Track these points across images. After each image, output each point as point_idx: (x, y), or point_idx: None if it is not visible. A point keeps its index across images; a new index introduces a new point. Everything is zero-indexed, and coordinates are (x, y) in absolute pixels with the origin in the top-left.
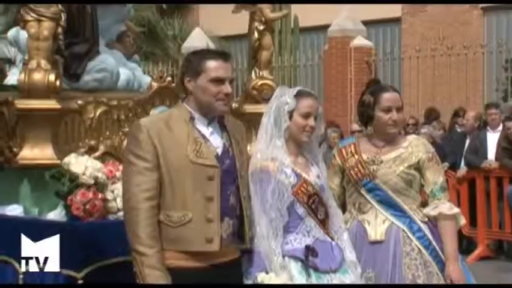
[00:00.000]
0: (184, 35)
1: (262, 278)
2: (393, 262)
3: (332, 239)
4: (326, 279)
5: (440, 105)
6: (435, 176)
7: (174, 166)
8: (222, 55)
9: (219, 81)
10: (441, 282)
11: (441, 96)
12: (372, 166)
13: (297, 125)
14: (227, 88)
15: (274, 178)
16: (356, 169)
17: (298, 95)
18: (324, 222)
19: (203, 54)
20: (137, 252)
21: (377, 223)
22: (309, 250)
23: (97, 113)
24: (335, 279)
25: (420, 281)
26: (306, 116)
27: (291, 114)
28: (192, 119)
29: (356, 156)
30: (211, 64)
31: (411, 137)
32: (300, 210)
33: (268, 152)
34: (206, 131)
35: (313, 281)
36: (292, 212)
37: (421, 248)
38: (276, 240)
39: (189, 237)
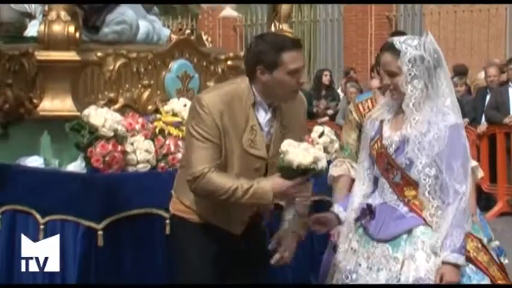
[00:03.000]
0: None
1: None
2: None
3: (415, 210)
4: (369, 246)
5: (462, 61)
6: None
7: (229, 150)
8: (296, 44)
9: (296, 72)
10: None
11: (462, 52)
12: None
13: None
14: (302, 77)
15: (366, 126)
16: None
17: None
18: (400, 188)
19: (278, 45)
20: (228, 197)
21: None
22: (367, 210)
23: (117, 66)
24: (378, 247)
25: None
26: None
27: None
28: (255, 103)
29: None
30: (289, 56)
31: None
32: (375, 167)
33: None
34: (263, 117)
35: (355, 240)
36: (375, 167)
37: None
38: (356, 188)
39: (218, 213)
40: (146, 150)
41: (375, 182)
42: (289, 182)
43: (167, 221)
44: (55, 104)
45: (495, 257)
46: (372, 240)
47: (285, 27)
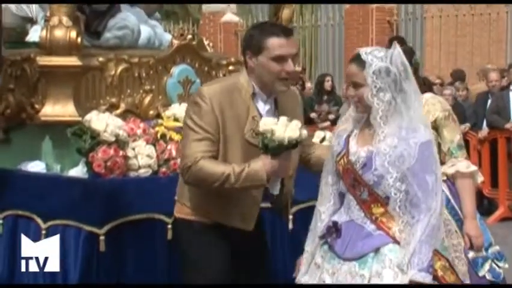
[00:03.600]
0: None
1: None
2: None
3: (383, 228)
4: (334, 262)
5: (462, 66)
6: (452, 134)
7: (230, 141)
8: (285, 31)
9: (281, 59)
10: (460, 239)
11: (463, 56)
12: None
13: None
14: (289, 66)
15: (332, 140)
16: None
17: None
18: (367, 205)
19: (265, 29)
20: (222, 183)
21: None
22: (333, 228)
23: (118, 71)
24: (344, 265)
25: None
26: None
27: None
28: (254, 94)
29: None
30: (274, 41)
31: (428, 95)
32: (341, 182)
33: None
34: (263, 108)
35: (319, 256)
36: (341, 184)
37: None
38: (322, 205)
39: (227, 210)
40: (148, 155)
41: (341, 198)
42: (280, 159)
43: (169, 226)
44: (57, 109)
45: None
46: (339, 258)
47: None
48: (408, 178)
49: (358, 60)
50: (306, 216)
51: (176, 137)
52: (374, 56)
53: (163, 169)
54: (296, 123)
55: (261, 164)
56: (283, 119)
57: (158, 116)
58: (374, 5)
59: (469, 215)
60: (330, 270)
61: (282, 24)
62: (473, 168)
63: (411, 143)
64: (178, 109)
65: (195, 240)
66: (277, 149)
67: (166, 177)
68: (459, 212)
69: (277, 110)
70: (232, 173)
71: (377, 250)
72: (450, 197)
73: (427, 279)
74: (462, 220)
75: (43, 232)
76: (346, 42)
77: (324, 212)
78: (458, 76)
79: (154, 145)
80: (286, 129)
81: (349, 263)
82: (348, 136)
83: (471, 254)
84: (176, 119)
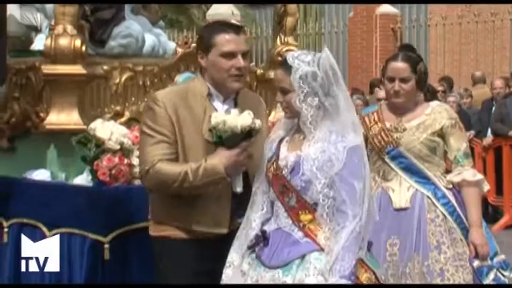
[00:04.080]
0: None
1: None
2: (417, 229)
3: (310, 235)
4: (260, 270)
5: (467, 73)
6: (458, 143)
7: (189, 143)
8: (233, 27)
9: (230, 55)
10: (465, 248)
11: (467, 64)
12: (396, 134)
13: None
14: (239, 62)
15: (266, 147)
16: (379, 137)
17: None
18: (295, 212)
19: (213, 27)
20: (181, 182)
21: (402, 190)
22: (261, 237)
23: (123, 79)
24: (269, 272)
25: (444, 247)
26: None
27: None
28: (210, 95)
29: (379, 124)
30: (222, 38)
31: (434, 104)
32: (271, 190)
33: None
34: (221, 108)
35: (246, 263)
36: (271, 191)
37: (446, 214)
38: (254, 213)
39: (196, 217)
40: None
41: (272, 207)
42: (236, 150)
43: None
44: (61, 117)
45: None
46: (265, 266)
47: (290, 39)
48: (336, 184)
49: (285, 65)
50: None
51: None
52: (301, 61)
53: None
54: (248, 112)
55: (218, 158)
56: (234, 110)
57: None
58: (378, 13)
59: (474, 224)
60: (255, 277)
61: (232, 22)
62: (480, 176)
63: (339, 147)
64: None
65: (177, 258)
66: (232, 139)
67: None
68: (464, 220)
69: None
70: (190, 170)
71: (302, 257)
72: (456, 205)
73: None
74: (467, 229)
75: None
76: (350, 50)
77: (255, 220)
78: (447, 83)
79: None
80: (239, 118)
81: (274, 271)
82: (280, 142)
83: (476, 263)
84: None
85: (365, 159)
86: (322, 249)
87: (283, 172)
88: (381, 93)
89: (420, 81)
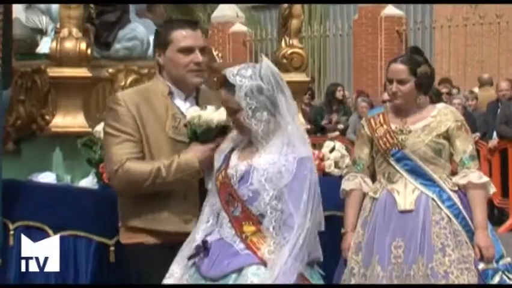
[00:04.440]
0: (213, 4)
1: None
2: (422, 231)
3: (252, 248)
4: (201, 283)
5: (472, 75)
6: (464, 145)
7: (153, 141)
8: (189, 23)
9: (188, 50)
10: (471, 251)
11: (472, 66)
12: (401, 136)
13: None
14: (197, 57)
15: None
16: (384, 139)
17: None
18: (239, 222)
19: (169, 24)
20: (153, 179)
21: (407, 192)
22: (201, 247)
23: (128, 82)
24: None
25: (449, 250)
26: None
27: None
28: (171, 93)
29: (385, 126)
30: (178, 33)
31: (441, 105)
32: (217, 199)
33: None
34: (183, 106)
35: (187, 274)
36: (218, 200)
37: (451, 216)
38: (200, 225)
39: (166, 217)
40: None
41: (218, 217)
42: (210, 145)
43: None
44: (67, 120)
45: None
46: (205, 278)
47: (295, 42)
48: (285, 196)
49: (227, 84)
50: None
51: None
52: (242, 76)
53: None
54: (224, 109)
55: (192, 152)
56: (210, 107)
57: None
58: (383, 15)
59: (479, 226)
60: None
61: (188, 18)
62: (485, 179)
63: (289, 158)
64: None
65: (149, 264)
66: (206, 134)
67: None
68: (470, 223)
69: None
70: (162, 166)
71: (240, 271)
72: (461, 207)
73: None
74: (473, 231)
75: None
76: (355, 52)
77: (199, 233)
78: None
79: None
80: (215, 113)
81: (212, 283)
82: (231, 152)
83: (481, 266)
84: None
85: (313, 172)
86: (263, 263)
87: (232, 181)
88: (386, 95)
89: (422, 84)
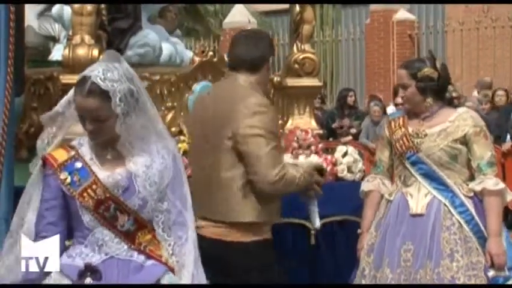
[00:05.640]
0: (225, 10)
1: None
2: (431, 236)
3: (153, 256)
4: None
5: (480, 79)
6: (482, 151)
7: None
8: None
9: None
10: (481, 257)
11: (485, 69)
12: (417, 139)
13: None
14: None
15: (46, 174)
16: (401, 142)
17: (76, 85)
18: (132, 235)
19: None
20: (299, 184)
21: (420, 196)
22: (87, 271)
23: None
24: None
25: (458, 256)
26: (79, 116)
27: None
28: None
29: (403, 129)
30: None
31: (462, 110)
32: (87, 218)
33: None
34: None
35: None
36: (78, 220)
37: (462, 222)
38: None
39: (277, 209)
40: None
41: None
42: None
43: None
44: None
45: None
46: None
47: (307, 47)
48: (169, 195)
49: (97, 92)
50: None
51: None
52: (113, 81)
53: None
54: None
55: (307, 165)
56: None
57: (181, 132)
58: (395, 19)
59: (492, 233)
60: None
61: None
62: (502, 186)
63: (164, 155)
64: None
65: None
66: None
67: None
68: (482, 229)
69: None
70: (303, 172)
71: (157, 282)
72: (474, 213)
73: None
74: (485, 238)
75: None
76: (367, 57)
77: (76, 255)
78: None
79: None
80: None
81: None
82: (84, 163)
83: (491, 273)
84: None
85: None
86: (171, 269)
87: (115, 192)
88: (398, 98)
89: (425, 88)
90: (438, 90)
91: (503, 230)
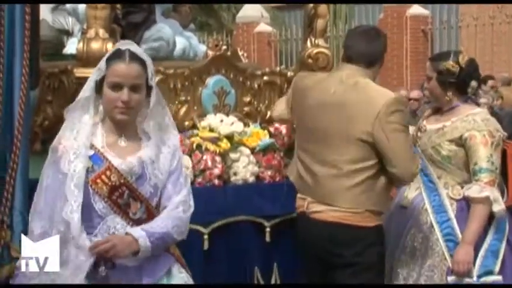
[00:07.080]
0: (238, 5)
1: None
2: (403, 230)
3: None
4: None
5: (499, 75)
6: (478, 156)
7: None
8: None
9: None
10: (445, 260)
11: (499, 65)
12: (419, 133)
13: (107, 99)
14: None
15: (58, 162)
16: (414, 133)
17: (110, 58)
18: (143, 224)
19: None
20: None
21: (411, 189)
22: (102, 259)
23: None
24: None
25: (418, 254)
26: (114, 86)
27: (101, 84)
28: None
29: (420, 121)
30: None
31: (476, 111)
32: (99, 205)
33: (74, 129)
34: None
35: None
36: (89, 209)
37: (434, 223)
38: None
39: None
40: (184, 166)
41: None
42: None
43: (205, 236)
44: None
45: None
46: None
47: (320, 42)
48: (169, 187)
49: (136, 58)
50: None
51: (212, 147)
52: (143, 54)
53: (199, 179)
54: None
55: None
56: None
57: (194, 126)
58: (408, 14)
59: (464, 240)
60: None
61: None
62: (485, 194)
63: (171, 146)
64: (214, 120)
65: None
66: None
67: (202, 188)
68: (457, 233)
69: None
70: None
71: (168, 272)
72: (453, 216)
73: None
74: (457, 243)
75: None
76: None
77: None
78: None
79: (190, 156)
80: None
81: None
82: (97, 150)
83: (451, 278)
84: (211, 130)
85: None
86: (178, 259)
87: (129, 179)
88: (413, 93)
89: (445, 82)
90: (458, 85)
91: (489, 237)
